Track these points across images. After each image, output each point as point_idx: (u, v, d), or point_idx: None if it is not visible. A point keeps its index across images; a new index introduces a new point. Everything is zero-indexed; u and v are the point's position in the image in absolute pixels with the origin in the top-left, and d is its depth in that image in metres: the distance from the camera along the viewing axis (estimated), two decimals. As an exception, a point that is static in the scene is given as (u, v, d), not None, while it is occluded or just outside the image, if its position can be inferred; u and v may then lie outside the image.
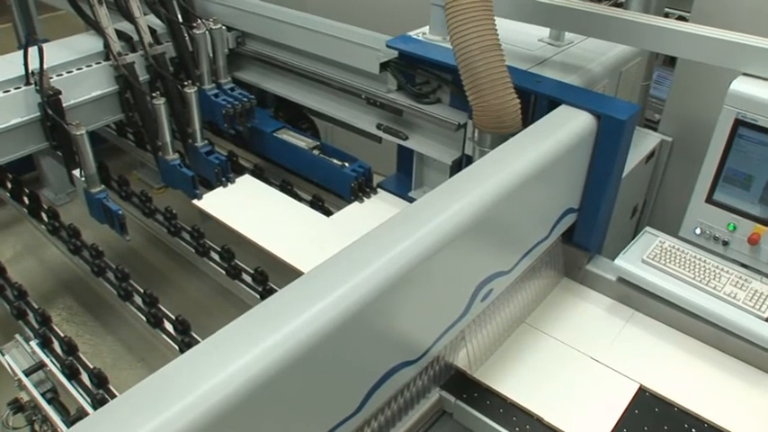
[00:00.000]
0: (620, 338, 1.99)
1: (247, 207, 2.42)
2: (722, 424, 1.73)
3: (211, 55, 2.58)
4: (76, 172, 2.33)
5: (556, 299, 2.13)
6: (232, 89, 2.64)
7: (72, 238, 2.57)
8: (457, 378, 1.84)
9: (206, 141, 2.55)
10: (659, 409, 1.78)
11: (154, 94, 2.34)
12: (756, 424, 1.74)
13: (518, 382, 1.84)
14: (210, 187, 2.53)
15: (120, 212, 2.26)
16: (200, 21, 2.52)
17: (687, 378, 1.86)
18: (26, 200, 2.83)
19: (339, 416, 1.41)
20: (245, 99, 2.58)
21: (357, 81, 2.49)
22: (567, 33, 2.46)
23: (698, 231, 2.06)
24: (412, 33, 2.40)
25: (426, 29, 2.40)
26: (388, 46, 2.29)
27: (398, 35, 2.35)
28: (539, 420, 1.74)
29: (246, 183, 2.58)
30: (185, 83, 2.41)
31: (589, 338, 1.98)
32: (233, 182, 2.54)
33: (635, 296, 2.07)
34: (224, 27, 2.60)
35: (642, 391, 1.83)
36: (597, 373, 1.88)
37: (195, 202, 2.44)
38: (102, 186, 2.31)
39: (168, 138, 2.43)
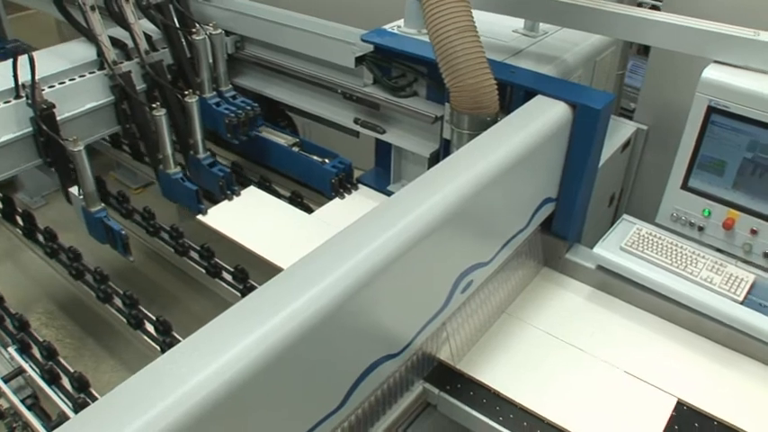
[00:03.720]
0: (601, 326, 2.01)
1: (255, 221, 2.32)
2: (699, 405, 1.76)
3: (211, 61, 2.47)
4: (73, 190, 2.21)
5: (536, 288, 2.14)
6: (234, 97, 2.54)
7: (48, 242, 2.54)
8: (440, 370, 1.85)
9: (208, 153, 2.45)
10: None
11: (153, 105, 2.23)
12: (731, 403, 1.77)
13: (501, 372, 1.85)
14: (214, 200, 2.42)
15: (123, 232, 2.16)
16: (198, 26, 2.42)
17: (666, 362, 1.89)
18: (0, 204, 2.78)
19: (322, 411, 1.41)
20: (249, 107, 2.48)
21: (333, 76, 2.48)
22: (541, 24, 2.47)
23: (674, 218, 2.08)
24: (387, 27, 2.40)
25: (401, 22, 2.40)
26: (363, 40, 2.28)
27: (373, 29, 2.35)
28: (522, 409, 1.76)
29: (252, 195, 2.47)
30: (186, 92, 2.29)
31: (570, 326, 2.00)
32: (238, 194, 2.43)
33: (614, 283, 2.09)
34: (223, 32, 2.50)
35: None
36: (579, 361, 1.89)
37: (200, 217, 2.32)
38: (102, 204, 2.20)
39: (170, 150, 2.32)
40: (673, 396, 1.79)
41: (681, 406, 1.77)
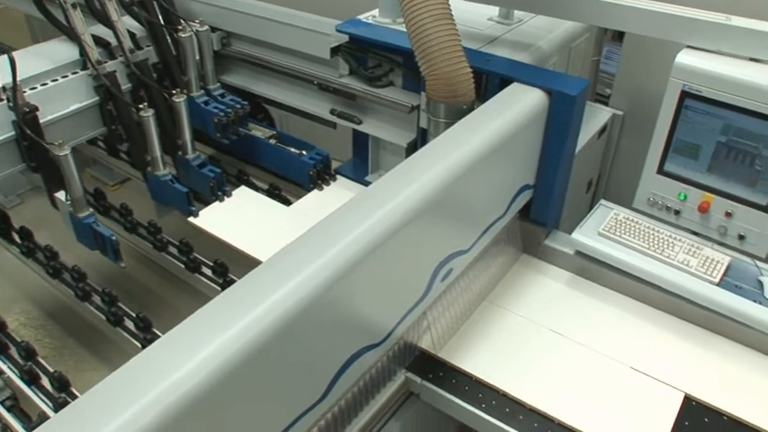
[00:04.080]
0: (580, 310, 2.03)
1: (247, 222, 2.28)
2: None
3: (198, 59, 2.42)
4: (60, 195, 2.15)
5: (516, 275, 2.16)
6: (222, 95, 2.49)
7: (24, 241, 2.51)
8: (422, 359, 1.86)
9: (197, 153, 2.39)
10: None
11: (140, 106, 2.17)
12: (707, 382, 1.80)
13: (482, 359, 1.86)
14: (204, 201, 2.37)
15: (114, 238, 2.09)
16: (184, 22, 2.36)
17: (645, 345, 1.91)
18: (-28, 204, 2.73)
19: (305, 403, 1.41)
20: (238, 106, 2.44)
21: (308, 67, 2.47)
22: (516, 12, 2.47)
23: (650, 202, 2.10)
24: (361, 17, 2.39)
25: (376, 12, 2.40)
26: (338, 30, 2.27)
27: (348, 19, 2.34)
28: (504, 395, 1.77)
29: (244, 195, 2.42)
30: (173, 91, 2.24)
31: (550, 312, 2.02)
32: (229, 195, 2.38)
33: (593, 268, 2.11)
34: (209, 28, 2.44)
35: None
36: (559, 346, 1.91)
37: (192, 220, 2.27)
38: (91, 210, 2.14)
39: (158, 152, 2.26)
40: (653, 378, 1.81)
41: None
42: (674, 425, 1.70)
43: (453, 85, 1.87)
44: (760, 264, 1.99)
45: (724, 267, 1.96)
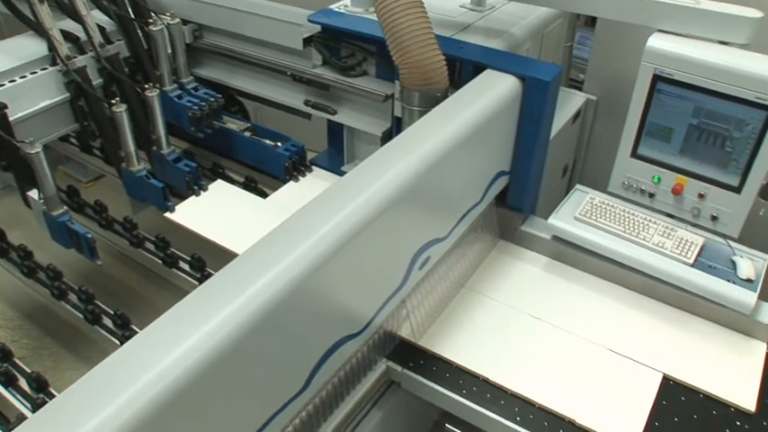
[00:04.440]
0: (558, 294, 2.05)
1: (224, 216, 2.25)
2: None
3: (170, 52, 2.39)
4: (32, 193, 2.11)
5: (493, 261, 2.17)
6: (195, 89, 2.46)
7: (-3, 241, 2.48)
8: (402, 347, 1.87)
9: (172, 148, 2.36)
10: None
11: (112, 101, 2.13)
12: (684, 361, 1.83)
13: (462, 346, 1.87)
14: (181, 196, 2.34)
15: (90, 236, 2.06)
16: (154, 15, 2.32)
17: (623, 326, 1.94)
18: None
19: (286, 395, 1.41)
20: (212, 99, 2.41)
21: (281, 58, 2.45)
22: (488, -2, 2.48)
23: (625, 185, 2.12)
24: (333, 6, 2.37)
25: (348, 1, 2.38)
26: (310, 21, 2.26)
27: (319, 9, 2.32)
28: (485, 381, 1.78)
29: (220, 189, 2.40)
30: (146, 85, 2.20)
31: (528, 297, 2.03)
32: (205, 189, 2.35)
33: (569, 253, 2.13)
34: (181, 21, 2.41)
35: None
36: (538, 330, 1.93)
37: (168, 215, 2.24)
38: (65, 208, 2.11)
39: (132, 147, 2.22)
40: (632, 360, 1.84)
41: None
42: (653, 405, 1.72)
43: (426, 73, 1.87)
44: (733, 244, 2.02)
45: (698, 248, 1.99)
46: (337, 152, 2.53)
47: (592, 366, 1.82)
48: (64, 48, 2.24)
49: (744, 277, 1.90)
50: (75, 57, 2.29)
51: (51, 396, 1.91)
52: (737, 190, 1.93)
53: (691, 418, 1.70)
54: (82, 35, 2.33)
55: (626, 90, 2.04)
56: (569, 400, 1.72)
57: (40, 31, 2.27)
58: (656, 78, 1.93)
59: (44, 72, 2.26)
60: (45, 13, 2.19)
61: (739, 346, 1.88)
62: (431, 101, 1.90)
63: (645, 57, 1.92)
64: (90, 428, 1.01)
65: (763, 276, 1.92)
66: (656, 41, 1.91)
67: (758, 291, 1.87)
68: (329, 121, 2.46)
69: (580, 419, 1.67)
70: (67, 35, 2.32)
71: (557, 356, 1.85)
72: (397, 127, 2.22)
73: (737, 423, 1.69)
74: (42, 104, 2.24)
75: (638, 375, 1.80)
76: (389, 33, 1.83)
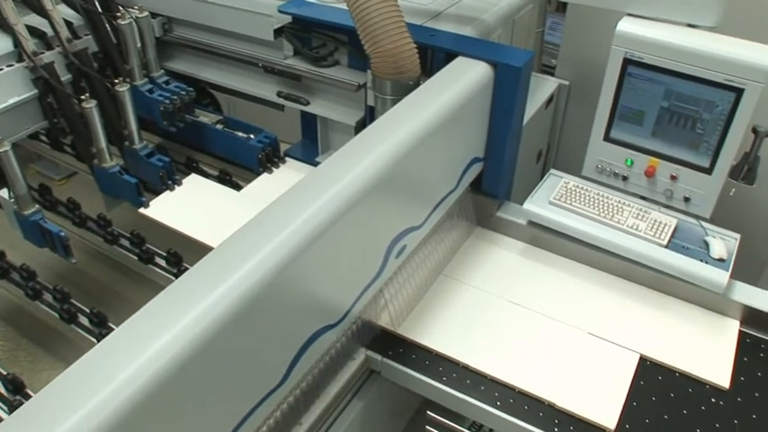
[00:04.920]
0: (535, 279, 2.06)
1: (199, 210, 2.23)
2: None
3: (139, 46, 2.35)
4: (3, 192, 2.08)
5: (470, 248, 2.18)
6: (167, 82, 2.43)
7: (-31, 241, 2.44)
8: (381, 336, 1.87)
9: (145, 143, 2.33)
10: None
11: (82, 97, 2.10)
12: (660, 341, 1.86)
13: (441, 333, 1.88)
14: (155, 192, 2.31)
15: (63, 234, 2.05)
16: (122, 9, 2.27)
17: (600, 309, 1.95)
18: None
19: (264, 388, 1.40)
20: (184, 92, 2.39)
21: (252, 50, 2.43)
22: (459, -15, 2.47)
23: (599, 169, 2.14)
24: (304, -4, 2.36)
25: (318, -9, 2.36)
26: (280, 11, 2.24)
27: (290, -1, 2.31)
28: (465, 367, 1.79)
29: (195, 183, 2.38)
30: (115, 80, 2.17)
31: (505, 283, 2.04)
32: (180, 184, 2.33)
33: (545, 237, 2.14)
34: (149, 14, 2.37)
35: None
36: (516, 315, 1.94)
37: (142, 210, 2.22)
38: (37, 206, 2.08)
39: (104, 143, 2.19)
40: (609, 342, 1.86)
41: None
42: (631, 385, 1.74)
43: (398, 62, 1.87)
44: (705, 224, 2.04)
45: (671, 230, 2.01)
46: (311, 143, 2.51)
47: (570, 349, 1.83)
48: (30, 43, 2.20)
49: (716, 257, 1.93)
50: (41, 53, 2.24)
51: (28, 397, 1.89)
52: (708, 171, 1.95)
53: (668, 396, 1.72)
54: (48, 30, 2.29)
55: (598, 74, 2.05)
56: (549, 383, 1.73)
57: (4, 26, 2.22)
58: (627, 62, 1.95)
59: (10, 69, 2.21)
60: (9, 8, 2.15)
61: (713, 325, 1.91)
62: (403, 89, 1.90)
63: (615, 41, 1.94)
64: (66, 429, 1.00)
65: (734, 255, 1.95)
66: (626, 25, 1.92)
67: (730, 270, 1.90)
68: (303, 112, 2.45)
69: (560, 402, 1.69)
70: (33, 30, 2.27)
71: (535, 341, 1.86)
72: (370, 116, 2.22)
73: (713, 400, 1.72)
74: (10, 102, 2.20)
75: (615, 357, 1.82)
76: (360, 23, 1.82)
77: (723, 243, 1.96)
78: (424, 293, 1.99)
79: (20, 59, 2.24)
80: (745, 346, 1.86)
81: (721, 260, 1.92)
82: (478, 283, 2.04)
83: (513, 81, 1.92)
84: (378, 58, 1.87)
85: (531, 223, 2.15)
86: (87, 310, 2.12)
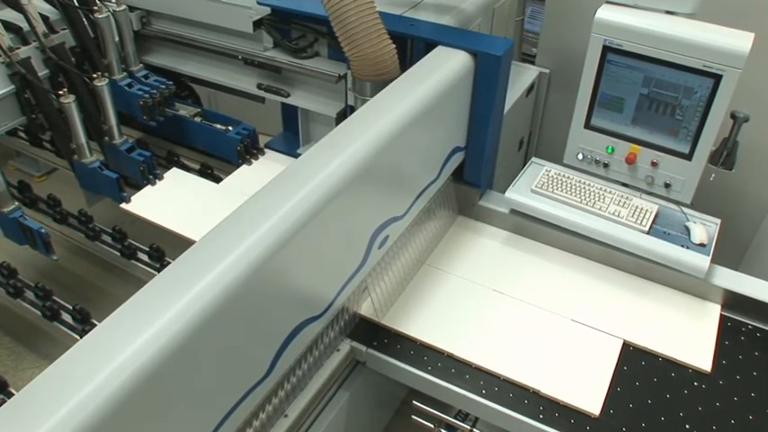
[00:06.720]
0: (518, 267, 2.07)
1: (181, 204, 2.22)
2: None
3: (117, 40, 2.33)
4: None
5: (453, 237, 2.18)
6: (146, 76, 2.41)
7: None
8: (365, 327, 1.87)
9: (125, 137, 2.31)
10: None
11: (60, 92, 2.08)
12: (643, 327, 1.87)
13: (425, 323, 1.88)
14: (136, 187, 2.30)
15: (44, 231, 2.04)
16: (99, 2, 2.25)
17: (583, 296, 1.97)
18: None
19: (249, 382, 1.40)
20: (163, 86, 2.37)
21: (232, 42, 2.41)
22: (438, -26, 2.46)
23: (580, 157, 2.15)
24: (283, -12, 2.34)
25: (297, -18, 2.35)
26: (259, 3, 2.22)
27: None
28: (450, 356, 1.80)
29: (176, 177, 2.37)
30: (94, 75, 2.15)
31: (489, 271, 2.05)
32: (161, 178, 2.32)
33: (528, 225, 2.15)
34: (127, 7, 2.34)
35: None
36: (500, 304, 1.95)
37: (124, 206, 2.22)
38: (16, 203, 2.07)
39: (83, 139, 2.18)
40: (593, 328, 1.87)
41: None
42: (615, 371, 1.76)
43: (378, 64, 1.87)
44: (686, 210, 2.06)
45: (653, 216, 2.02)
46: (293, 135, 2.51)
47: (554, 337, 1.85)
48: (6, 39, 2.16)
49: (697, 242, 1.94)
50: (18, 48, 2.20)
51: (11, 396, 1.87)
52: (688, 157, 1.97)
53: (651, 381, 1.74)
54: (24, 25, 2.25)
55: (578, 62, 2.05)
56: (533, 371, 1.74)
57: None
58: (606, 49, 1.95)
59: (-15, 65, 2.18)
60: (-17, 3, 2.12)
61: (695, 309, 1.93)
62: (383, 89, 1.89)
63: (594, 28, 1.94)
64: (50, 427, 0.99)
65: (715, 240, 1.96)
66: (605, 13, 1.93)
67: (711, 254, 1.91)
68: (283, 104, 2.44)
69: (545, 389, 1.70)
70: (9, 25, 2.23)
71: (519, 329, 1.87)
72: (351, 107, 2.21)
73: (695, 383, 1.74)
74: None
75: (599, 343, 1.83)
76: (338, 26, 1.81)
77: (704, 228, 1.98)
78: (408, 283, 1.99)
79: None
80: (726, 329, 1.88)
81: (702, 245, 1.94)
82: (462, 273, 2.04)
83: (493, 70, 1.92)
84: (357, 60, 1.87)
85: (513, 211, 2.15)
86: (70, 307, 2.11)
